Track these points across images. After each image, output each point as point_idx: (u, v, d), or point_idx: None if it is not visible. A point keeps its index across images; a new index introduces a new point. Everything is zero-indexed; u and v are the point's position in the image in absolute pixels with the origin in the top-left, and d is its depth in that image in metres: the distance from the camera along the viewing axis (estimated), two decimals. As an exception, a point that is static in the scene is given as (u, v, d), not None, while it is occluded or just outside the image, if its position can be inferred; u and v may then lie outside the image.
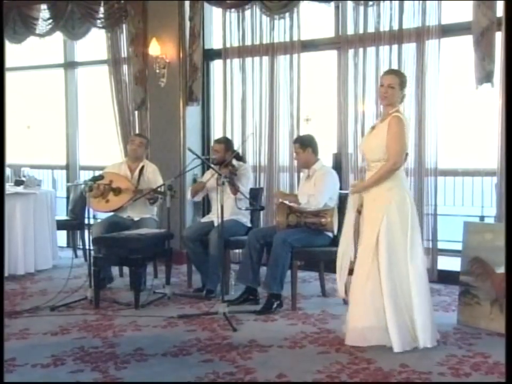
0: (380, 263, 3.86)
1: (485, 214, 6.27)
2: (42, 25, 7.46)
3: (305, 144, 5.09)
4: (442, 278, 5.56)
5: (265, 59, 6.31)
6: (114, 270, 5.76)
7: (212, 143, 6.17)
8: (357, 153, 5.78)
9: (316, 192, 4.94)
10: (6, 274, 5.69)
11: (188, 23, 6.58)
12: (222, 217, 4.59)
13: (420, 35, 5.52)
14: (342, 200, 4.90)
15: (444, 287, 5.43)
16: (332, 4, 5.98)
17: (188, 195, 5.76)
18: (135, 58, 6.84)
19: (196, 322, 4.48)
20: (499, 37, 5.08)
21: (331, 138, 6.15)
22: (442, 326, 4.21)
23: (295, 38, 6.14)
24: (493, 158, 5.31)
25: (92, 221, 5.69)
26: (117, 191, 5.56)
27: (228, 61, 6.51)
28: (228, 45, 6.50)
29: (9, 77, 7.38)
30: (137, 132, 6.84)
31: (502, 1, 4.66)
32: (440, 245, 5.75)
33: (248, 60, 6.41)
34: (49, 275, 6.11)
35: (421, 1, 5.50)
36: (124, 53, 7.07)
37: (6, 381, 3.18)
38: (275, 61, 6.25)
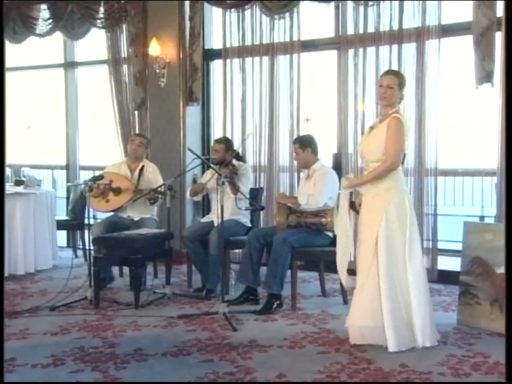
0: (379, 263, 3.87)
1: (485, 214, 6.27)
2: (42, 25, 7.46)
3: (304, 144, 5.09)
4: (442, 278, 5.56)
5: (265, 59, 6.31)
6: (114, 270, 5.76)
7: (212, 143, 6.17)
8: (357, 153, 5.78)
9: (316, 191, 4.94)
10: (6, 274, 5.69)
11: (188, 23, 6.58)
12: (222, 217, 4.59)
13: (420, 35, 5.52)
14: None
15: (444, 287, 5.43)
16: (332, 4, 5.98)
17: (187, 194, 5.77)
18: (135, 58, 6.84)
19: (196, 322, 4.48)
20: (499, 37, 5.08)
21: (331, 138, 6.15)
22: (442, 326, 4.21)
23: (295, 38, 6.14)
24: (493, 158, 5.31)
25: (92, 221, 5.69)
26: (117, 191, 5.56)
27: (228, 61, 6.51)
28: (228, 45, 6.50)
29: (9, 77, 7.38)
30: (137, 131, 6.84)
31: (502, 1, 4.66)
32: (440, 245, 5.75)
33: (248, 60, 6.41)
34: (49, 275, 6.11)
35: (421, 1, 5.50)
36: (123, 53, 7.07)
37: (6, 381, 3.18)
38: (275, 61, 6.25)
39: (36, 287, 5.67)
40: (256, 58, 6.36)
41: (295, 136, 5.83)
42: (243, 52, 6.41)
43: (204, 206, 6.61)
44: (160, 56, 6.60)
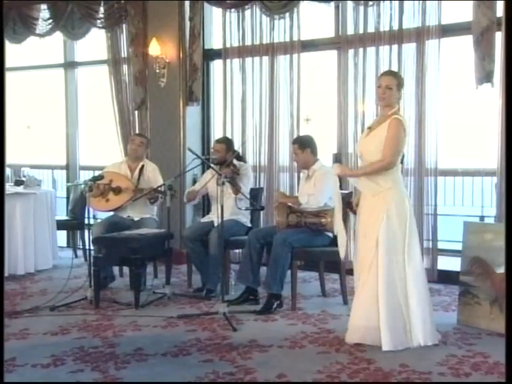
0: (379, 262, 3.87)
1: (485, 214, 6.26)
2: (42, 25, 7.46)
3: (304, 145, 5.09)
4: (442, 278, 5.56)
5: (265, 59, 6.31)
6: (114, 270, 5.75)
7: (212, 143, 6.17)
8: (357, 153, 5.78)
9: (316, 191, 4.94)
10: (6, 274, 5.69)
11: (188, 23, 6.58)
12: (222, 217, 4.59)
13: (420, 35, 5.52)
14: (342, 200, 4.89)
15: (444, 287, 5.43)
16: (332, 4, 5.98)
17: (184, 199, 5.75)
18: (135, 58, 6.84)
19: (196, 322, 4.48)
20: (499, 37, 5.08)
21: (331, 138, 6.15)
22: (442, 326, 4.21)
23: (295, 38, 6.14)
24: (493, 158, 5.31)
25: (92, 221, 5.69)
26: (117, 191, 5.56)
27: (228, 61, 6.51)
28: (228, 45, 6.50)
29: (9, 77, 7.38)
30: (137, 131, 6.84)
31: (502, 1, 4.66)
32: (440, 245, 5.75)
33: (248, 60, 6.41)
34: (49, 275, 6.11)
35: (421, 1, 5.50)
36: (123, 53, 7.07)
37: (6, 381, 3.18)
38: (275, 61, 6.25)
39: (36, 287, 5.67)
40: (256, 58, 6.36)
41: (295, 136, 5.84)
42: (243, 52, 6.41)
43: (204, 206, 6.62)
44: (160, 56, 6.60)
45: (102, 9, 7.04)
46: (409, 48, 5.60)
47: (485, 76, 5.13)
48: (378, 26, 5.72)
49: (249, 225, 5.56)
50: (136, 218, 5.67)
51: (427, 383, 3.36)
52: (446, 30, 5.51)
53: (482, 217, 6.13)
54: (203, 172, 6.35)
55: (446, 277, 5.50)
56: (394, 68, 5.57)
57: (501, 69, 5.06)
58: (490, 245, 4.29)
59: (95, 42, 7.44)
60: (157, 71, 6.64)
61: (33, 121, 9.20)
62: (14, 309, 4.86)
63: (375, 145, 3.97)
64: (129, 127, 7.08)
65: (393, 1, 5.64)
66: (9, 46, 7.61)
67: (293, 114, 6.21)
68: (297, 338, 4.10)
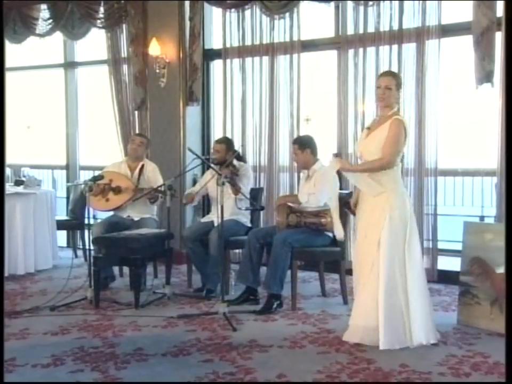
0: (381, 261, 3.87)
1: (485, 214, 6.26)
2: (42, 25, 7.46)
3: (304, 145, 5.09)
4: (442, 278, 5.56)
5: (265, 59, 6.31)
6: (114, 270, 5.75)
7: (212, 143, 6.17)
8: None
9: (316, 191, 4.94)
10: (6, 274, 5.69)
11: (188, 23, 6.58)
12: (222, 217, 4.59)
13: (420, 35, 5.52)
14: (341, 200, 4.90)
15: (444, 287, 5.42)
16: (332, 4, 5.98)
17: (183, 200, 5.75)
18: (135, 58, 6.84)
19: (196, 322, 4.47)
20: (499, 37, 5.08)
21: (331, 138, 6.15)
22: (442, 326, 4.21)
23: (295, 38, 6.14)
24: (493, 158, 5.31)
25: (92, 221, 5.69)
26: (117, 190, 5.56)
27: (228, 61, 6.51)
28: (228, 45, 6.50)
29: (9, 77, 7.38)
30: (137, 131, 6.84)
31: (502, 1, 4.66)
32: (440, 245, 5.75)
33: (248, 60, 6.41)
34: (49, 275, 6.11)
35: (421, 1, 5.50)
36: (124, 53, 7.07)
37: (6, 381, 3.18)
38: (275, 61, 6.25)
39: (36, 287, 5.67)
40: (256, 58, 6.36)
41: (295, 136, 5.84)
42: (243, 52, 6.41)
43: (204, 206, 6.62)
44: (160, 56, 6.60)
45: (102, 9, 7.05)
46: (409, 48, 5.60)
47: (485, 76, 5.13)
48: (378, 26, 5.72)
49: (249, 225, 5.55)
50: (136, 218, 5.67)
51: (427, 383, 3.36)
52: (446, 30, 5.51)
53: (482, 217, 6.13)
54: (203, 172, 6.36)
55: (446, 277, 5.50)
56: (394, 68, 5.57)
57: (501, 69, 5.06)
58: (490, 245, 4.29)
59: (95, 42, 7.44)
60: (157, 71, 6.64)
61: (33, 121, 9.20)
62: (14, 309, 4.86)
63: (375, 145, 3.97)
64: (129, 127, 7.08)
65: (393, 1, 5.64)
66: (9, 46, 7.61)
67: (293, 114, 6.21)
68: (297, 338, 4.10)
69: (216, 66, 6.87)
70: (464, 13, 5.38)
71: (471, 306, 4.36)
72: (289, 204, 5.02)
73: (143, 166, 5.79)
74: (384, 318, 3.82)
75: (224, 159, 5.39)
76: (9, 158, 6.59)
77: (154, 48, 6.57)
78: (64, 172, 8.13)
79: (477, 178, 6.67)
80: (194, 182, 6.36)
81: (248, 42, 6.39)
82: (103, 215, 6.20)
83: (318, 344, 3.99)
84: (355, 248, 4.24)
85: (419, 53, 5.53)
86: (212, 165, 5.18)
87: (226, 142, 5.64)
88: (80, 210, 6.55)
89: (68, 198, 7.59)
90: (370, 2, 5.70)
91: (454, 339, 4.07)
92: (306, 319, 4.58)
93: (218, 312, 4.50)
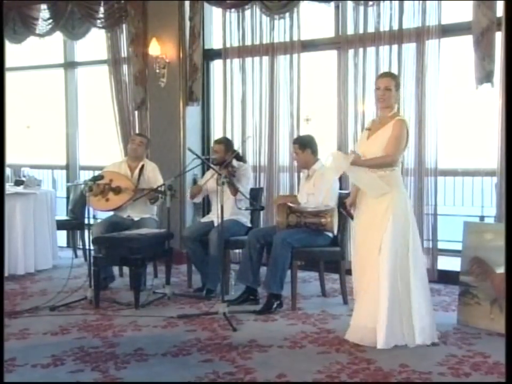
0: (383, 262, 3.87)
1: (485, 214, 6.26)
2: (42, 25, 7.46)
3: (304, 145, 5.09)
4: (442, 278, 5.56)
5: (265, 59, 6.31)
6: (114, 270, 5.76)
7: (212, 143, 6.17)
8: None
9: (316, 191, 4.95)
10: (6, 274, 5.69)
11: (188, 23, 6.58)
12: (222, 217, 4.59)
13: (420, 35, 5.51)
14: (339, 200, 4.90)
15: (444, 287, 5.43)
16: (332, 4, 5.98)
17: (188, 196, 5.76)
18: (135, 58, 6.84)
19: (195, 322, 4.47)
20: (499, 37, 5.08)
21: (331, 138, 6.15)
22: (442, 326, 4.21)
23: (295, 38, 6.14)
24: (493, 158, 5.31)
25: (92, 221, 5.69)
26: (117, 190, 5.55)
27: (228, 61, 6.51)
28: (228, 45, 6.50)
29: (9, 77, 7.38)
30: (137, 131, 6.84)
31: (502, 1, 4.66)
32: (440, 245, 5.75)
33: (248, 60, 6.41)
34: (49, 275, 6.11)
35: (421, 1, 5.50)
36: (124, 53, 7.07)
37: (6, 381, 3.18)
38: (275, 61, 6.25)
39: (36, 287, 5.67)
40: (256, 58, 6.36)
41: (295, 136, 5.84)
42: (243, 52, 6.41)
43: (204, 206, 6.61)
44: (160, 56, 6.60)
45: (102, 9, 7.05)
46: (409, 48, 5.60)
47: (485, 76, 5.13)
48: (378, 26, 5.72)
49: (249, 225, 5.55)
50: (136, 218, 5.67)
51: (427, 383, 3.36)
52: (446, 30, 5.51)
53: (482, 217, 6.13)
54: (203, 172, 6.36)
55: (446, 277, 5.50)
56: (394, 68, 5.58)
57: (501, 69, 5.06)
58: (490, 245, 4.29)
59: (95, 42, 7.44)
60: (157, 71, 6.64)
61: (33, 121, 9.21)
62: (14, 309, 4.86)
63: (377, 147, 3.97)
64: (129, 127, 7.08)
65: (393, 1, 5.64)
66: (9, 46, 7.61)
67: (293, 114, 6.21)
68: (297, 338, 4.10)
69: (216, 66, 6.87)
70: (464, 13, 5.38)
71: (471, 306, 4.36)
72: (289, 204, 5.01)
73: (143, 166, 5.79)
74: (384, 318, 3.81)
75: (224, 159, 5.38)
76: (9, 158, 6.60)
77: (154, 48, 6.57)
78: (64, 172, 8.13)
79: (477, 178, 6.68)
80: (195, 182, 6.36)
81: (248, 42, 6.39)
82: (103, 215, 6.20)
83: (318, 344, 3.99)
84: (354, 249, 4.23)
85: (419, 53, 5.53)
86: (212, 165, 5.18)
87: (225, 143, 5.64)
88: (80, 210, 6.55)
89: (68, 198, 7.58)
90: (370, 2, 5.70)
91: (454, 339, 4.07)
92: (306, 319, 4.58)
93: (218, 312, 4.50)
